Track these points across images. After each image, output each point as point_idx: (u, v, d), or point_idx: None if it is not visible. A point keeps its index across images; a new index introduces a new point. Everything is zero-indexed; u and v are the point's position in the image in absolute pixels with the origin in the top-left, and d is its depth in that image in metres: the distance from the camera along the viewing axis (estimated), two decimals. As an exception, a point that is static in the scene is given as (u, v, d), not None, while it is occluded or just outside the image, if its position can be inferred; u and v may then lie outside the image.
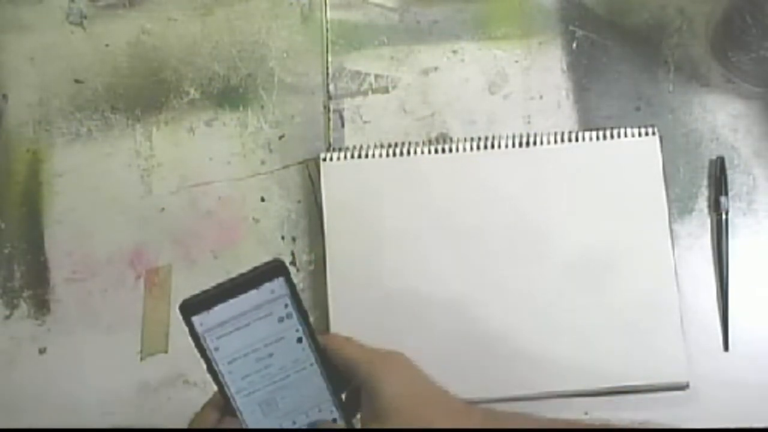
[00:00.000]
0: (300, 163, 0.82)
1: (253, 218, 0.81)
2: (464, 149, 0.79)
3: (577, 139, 0.78)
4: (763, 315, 0.75)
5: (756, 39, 0.77)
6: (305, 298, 0.77)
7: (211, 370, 0.55)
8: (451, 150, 0.79)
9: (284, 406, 0.57)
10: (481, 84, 0.83)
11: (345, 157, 0.79)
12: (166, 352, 0.78)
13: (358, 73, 0.84)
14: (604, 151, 0.78)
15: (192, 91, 0.84)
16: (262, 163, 0.82)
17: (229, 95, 0.84)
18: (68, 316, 0.80)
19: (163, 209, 0.82)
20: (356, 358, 0.57)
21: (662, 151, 0.78)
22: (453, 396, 0.58)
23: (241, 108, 0.84)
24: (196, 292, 0.54)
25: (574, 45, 0.83)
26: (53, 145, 0.84)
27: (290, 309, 0.55)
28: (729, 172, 0.78)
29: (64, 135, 0.84)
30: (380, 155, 0.79)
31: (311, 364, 0.57)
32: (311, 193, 0.81)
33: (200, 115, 0.84)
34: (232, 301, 0.54)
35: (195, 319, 0.54)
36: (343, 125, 0.83)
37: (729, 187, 0.78)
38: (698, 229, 0.78)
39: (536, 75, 0.83)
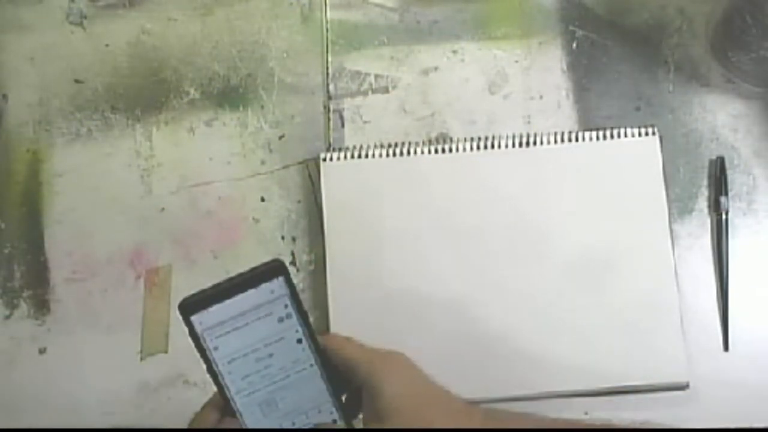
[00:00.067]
0: (300, 163, 0.82)
1: (253, 218, 0.81)
2: (464, 149, 0.79)
3: (577, 139, 0.78)
4: (763, 315, 0.75)
5: (756, 39, 0.77)
6: (305, 298, 0.78)
7: (211, 371, 0.55)
8: (451, 150, 0.79)
9: (284, 407, 0.57)
10: (481, 84, 0.83)
11: (345, 157, 0.79)
12: (166, 352, 0.78)
13: (358, 73, 0.84)
14: (604, 151, 0.78)
15: (192, 91, 0.84)
16: (262, 163, 0.82)
17: (229, 95, 0.84)
18: (68, 316, 0.80)
19: (163, 209, 0.82)
20: (356, 358, 0.57)
21: (662, 151, 0.77)
22: (454, 396, 0.58)
23: (241, 108, 0.84)
24: (196, 291, 0.54)
25: (574, 45, 0.83)
26: (53, 145, 0.84)
27: (290, 309, 0.55)
28: (729, 172, 0.78)
29: (64, 135, 0.84)
30: (380, 155, 0.79)
31: (311, 365, 0.57)
32: (311, 193, 0.81)
33: (200, 115, 0.84)
34: (231, 300, 0.54)
35: (194, 318, 0.54)
36: (343, 125, 0.83)
37: (729, 187, 0.78)
38: (698, 229, 0.78)
39: (536, 75, 0.83)
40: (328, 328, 0.76)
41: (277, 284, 0.54)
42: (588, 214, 0.77)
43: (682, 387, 0.73)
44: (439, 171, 0.78)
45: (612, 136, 0.78)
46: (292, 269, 0.78)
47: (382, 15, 0.86)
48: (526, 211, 0.77)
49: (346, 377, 0.57)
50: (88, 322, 0.79)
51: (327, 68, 0.84)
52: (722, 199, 0.77)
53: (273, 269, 0.54)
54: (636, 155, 0.78)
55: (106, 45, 0.86)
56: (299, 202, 0.81)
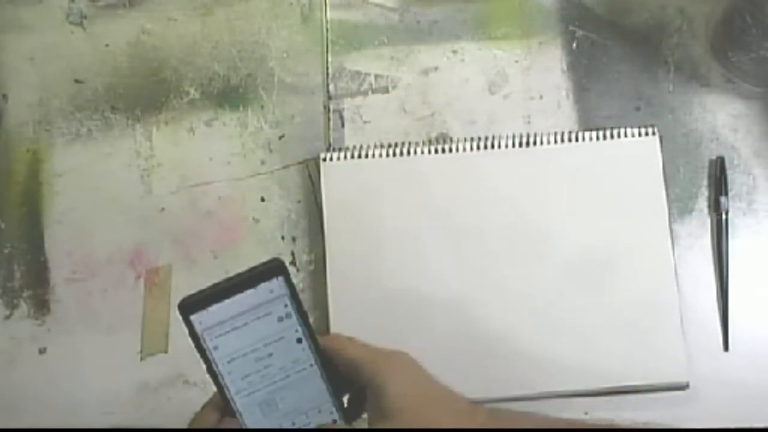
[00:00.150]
0: (300, 163, 0.82)
1: (253, 218, 0.81)
2: (464, 149, 0.79)
3: (577, 139, 0.78)
4: (763, 315, 0.75)
5: (756, 39, 0.77)
6: (305, 298, 0.78)
7: (211, 371, 0.55)
8: (451, 150, 0.79)
9: (284, 407, 0.57)
10: (481, 84, 0.83)
11: (345, 157, 0.79)
12: (166, 352, 0.78)
13: (358, 73, 0.84)
14: (604, 151, 0.78)
15: (192, 91, 0.84)
16: (262, 163, 0.82)
17: (229, 95, 0.84)
18: (68, 316, 0.80)
19: (163, 209, 0.82)
20: (360, 358, 0.57)
21: (662, 151, 0.77)
22: (458, 395, 0.57)
23: (241, 108, 0.84)
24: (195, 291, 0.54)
25: (574, 45, 0.83)
26: (53, 145, 0.84)
27: (289, 309, 0.55)
28: (729, 172, 0.78)
29: (64, 135, 0.84)
30: (380, 155, 0.79)
31: (311, 365, 0.57)
32: (311, 193, 0.81)
33: (200, 115, 0.84)
34: (230, 300, 0.54)
35: (194, 317, 0.54)
36: (343, 125, 0.83)
37: (729, 187, 0.78)
38: (698, 229, 0.78)
39: (536, 75, 0.83)
40: (328, 328, 0.76)
41: (277, 284, 0.54)
42: (588, 214, 0.77)
43: (682, 387, 0.73)
44: (439, 171, 0.78)
45: (612, 136, 0.78)
46: (292, 269, 0.78)
47: (382, 15, 0.86)
48: (526, 211, 0.77)
49: (349, 377, 0.57)
50: (88, 322, 0.79)
51: (327, 68, 0.84)
52: (722, 199, 0.77)
53: (272, 269, 0.54)
54: (636, 155, 0.78)
55: (106, 45, 0.86)
56: (299, 202, 0.81)
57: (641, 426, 0.70)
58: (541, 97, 0.82)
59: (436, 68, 0.84)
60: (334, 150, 0.80)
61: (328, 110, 0.83)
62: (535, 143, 0.78)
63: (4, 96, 0.86)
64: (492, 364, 0.74)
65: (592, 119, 0.81)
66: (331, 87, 0.84)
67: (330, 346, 0.57)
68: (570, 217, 0.77)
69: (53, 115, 0.85)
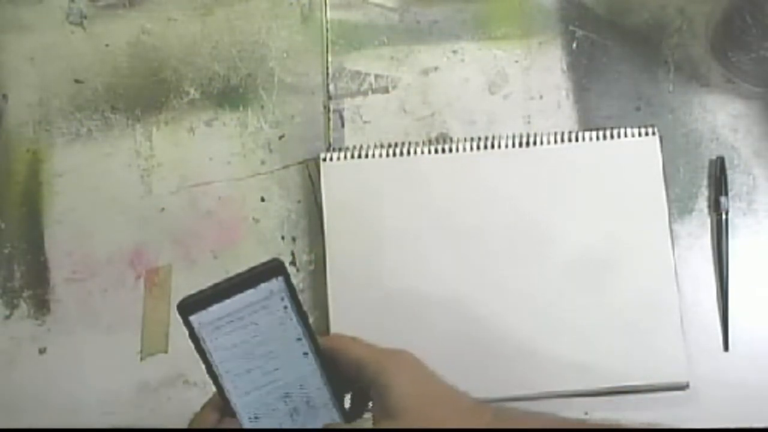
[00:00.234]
0: (300, 163, 0.82)
1: (253, 218, 0.81)
2: (464, 149, 0.79)
3: (577, 139, 0.78)
4: (763, 315, 0.75)
5: (756, 39, 0.77)
6: (305, 298, 0.78)
7: (210, 371, 0.55)
8: (451, 150, 0.79)
9: (284, 407, 0.57)
10: (481, 84, 0.83)
11: (345, 157, 0.79)
12: (166, 352, 0.78)
13: (358, 73, 0.84)
14: (604, 151, 0.78)
15: (192, 91, 0.84)
16: (262, 163, 0.82)
17: (229, 95, 0.84)
18: (68, 316, 0.80)
19: (163, 209, 0.82)
20: (364, 358, 0.56)
21: (662, 151, 0.77)
22: (463, 394, 0.57)
23: (241, 108, 0.84)
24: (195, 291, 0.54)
25: (574, 45, 0.83)
26: (53, 145, 0.84)
27: (289, 309, 0.55)
28: (729, 172, 0.78)
29: (64, 135, 0.84)
30: (380, 155, 0.79)
31: (311, 365, 0.57)
32: (311, 193, 0.81)
33: (200, 115, 0.84)
34: (230, 300, 0.54)
35: (193, 318, 0.54)
36: (343, 125, 0.83)
37: (729, 187, 0.78)
38: (698, 229, 0.78)
39: (536, 75, 0.83)
40: (328, 328, 0.76)
41: (276, 284, 0.54)
42: (588, 214, 0.77)
43: (682, 387, 0.73)
44: (439, 171, 0.78)
45: (612, 136, 0.78)
46: (292, 269, 0.78)
47: (382, 15, 0.85)
48: (526, 211, 0.77)
49: (351, 377, 0.57)
50: (88, 322, 0.79)
51: (327, 68, 0.84)
52: (722, 199, 0.77)
53: (272, 269, 0.54)
54: (636, 155, 0.78)
55: (106, 45, 0.86)
56: (299, 202, 0.81)
57: (647, 426, 0.70)
58: (541, 97, 0.82)
59: (436, 68, 0.84)
60: (334, 150, 0.80)
61: (328, 110, 0.83)
62: (535, 143, 0.78)
63: (4, 96, 0.86)
64: (492, 363, 0.74)
65: (592, 119, 0.81)
66: (331, 87, 0.84)
67: (333, 345, 0.57)
68: (570, 217, 0.77)
69: (53, 115, 0.85)
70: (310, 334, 0.56)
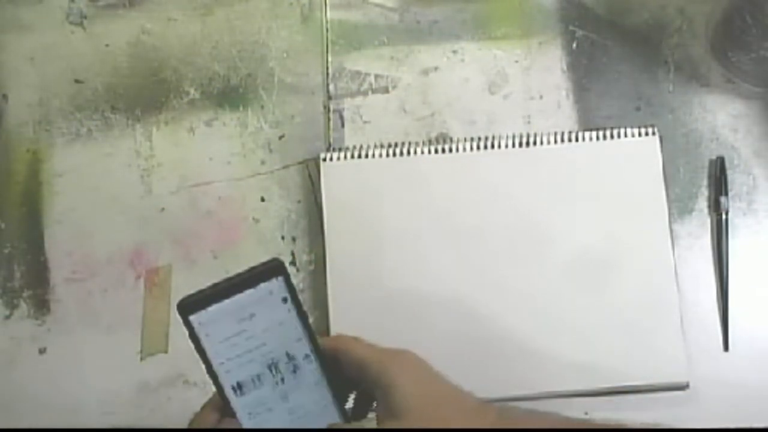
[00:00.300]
0: (300, 163, 0.82)
1: (253, 218, 0.81)
2: (464, 149, 0.79)
3: (577, 139, 0.78)
4: (763, 315, 0.75)
5: (756, 39, 0.77)
6: (305, 298, 0.78)
7: (210, 371, 0.55)
8: (451, 150, 0.79)
9: (284, 407, 0.57)
10: (481, 84, 0.83)
11: (345, 157, 0.79)
12: (166, 352, 0.78)
13: (358, 73, 0.84)
14: (604, 151, 0.78)
15: (192, 91, 0.84)
16: (262, 163, 0.82)
17: (229, 95, 0.84)
18: (68, 316, 0.80)
19: (163, 209, 0.82)
20: (366, 358, 0.56)
21: (662, 151, 0.77)
22: (467, 393, 0.57)
23: (241, 108, 0.84)
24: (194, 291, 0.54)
25: (574, 45, 0.83)
26: (53, 145, 0.84)
27: (289, 309, 0.55)
28: (729, 172, 0.78)
29: (64, 135, 0.84)
30: (380, 155, 0.79)
31: (311, 365, 0.57)
32: (311, 193, 0.81)
33: (200, 115, 0.84)
34: (230, 300, 0.54)
35: (193, 317, 0.54)
36: (343, 125, 0.83)
37: (729, 187, 0.78)
38: (698, 229, 0.78)
39: (536, 75, 0.83)
40: (328, 328, 0.76)
41: (276, 284, 0.54)
42: (588, 214, 0.77)
43: (682, 387, 0.73)
44: (439, 171, 0.78)
45: (612, 136, 0.78)
46: (292, 269, 0.78)
47: (382, 15, 0.85)
48: (526, 211, 0.77)
49: (354, 377, 0.57)
50: (88, 322, 0.79)
51: (327, 68, 0.84)
52: (722, 199, 0.77)
53: (272, 269, 0.54)
54: (636, 155, 0.78)
55: (106, 45, 0.86)
56: (299, 202, 0.81)
57: (650, 426, 0.70)
58: (541, 97, 0.82)
59: (436, 68, 0.84)
60: (334, 150, 0.80)
61: (328, 110, 0.83)
62: (535, 143, 0.78)
63: (4, 96, 0.86)
64: (492, 364, 0.74)
65: (592, 119, 0.81)
66: (331, 87, 0.84)
67: (335, 346, 0.57)
68: (570, 217, 0.77)
69: (53, 115, 0.85)
70: (310, 334, 0.56)
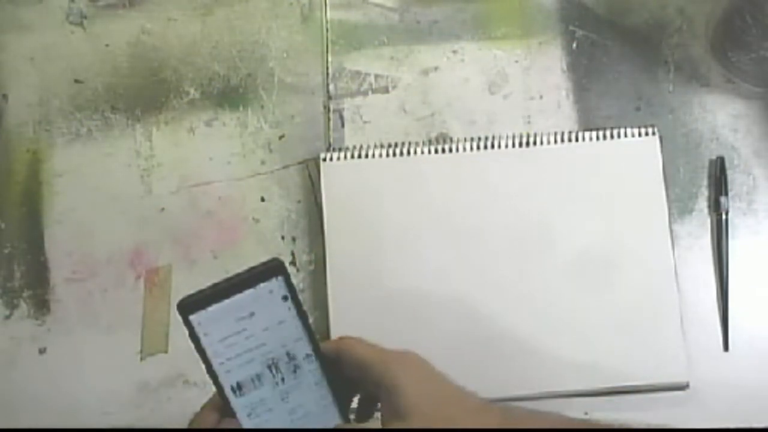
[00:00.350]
0: (300, 163, 0.82)
1: (253, 218, 0.81)
2: (464, 149, 0.79)
3: (577, 139, 0.78)
4: (763, 315, 0.75)
5: (756, 39, 0.77)
6: (305, 298, 0.78)
7: (210, 371, 0.55)
8: (451, 150, 0.79)
9: (284, 407, 0.57)
10: (481, 84, 0.83)
11: (345, 157, 0.79)
12: (166, 352, 0.78)
13: (358, 73, 0.84)
14: (604, 151, 0.78)
15: (192, 91, 0.84)
16: (262, 163, 0.82)
17: (229, 95, 0.84)
18: (68, 316, 0.80)
19: (163, 209, 0.82)
20: (370, 359, 0.56)
21: (662, 151, 0.77)
22: (470, 393, 0.57)
23: (241, 108, 0.84)
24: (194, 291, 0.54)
25: (574, 45, 0.83)
26: (53, 145, 0.84)
27: (289, 309, 0.55)
28: (729, 172, 0.78)
29: (64, 135, 0.84)
30: (380, 155, 0.79)
31: (311, 365, 0.57)
32: (311, 193, 0.81)
33: (200, 115, 0.84)
34: (230, 300, 0.54)
35: (193, 317, 0.53)
36: (343, 125, 0.83)
37: (729, 187, 0.78)
38: (698, 229, 0.78)
39: (536, 75, 0.83)
40: (328, 328, 0.76)
41: (276, 284, 0.54)
42: (588, 214, 0.77)
43: (682, 387, 0.73)
44: (439, 171, 0.78)
45: (612, 136, 0.78)
46: (292, 269, 0.78)
47: (382, 15, 0.85)
48: (526, 210, 0.77)
49: (357, 378, 0.57)
50: (88, 322, 0.79)
51: (327, 68, 0.84)
52: (722, 199, 0.77)
53: (271, 269, 0.54)
54: (636, 155, 0.78)
55: (106, 45, 0.86)
56: (299, 202, 0.81)
57: (654, 427, 0.70)
58: (541, 97, 0.82)
59: (436, 68, 0.84)
60: (334, 150, 0.80)
61: (328, 110, 0.83)
62: (535, 143, 0.78)
63: (4, 96, 0.86)
64: (492, 364, 0.74)
65: (592, 119, 0.81)
66: (331, 87, 0.84)
67: (338, 347, 0.57)
68: (570, 217, 0.77)
69: (53, 115, 0.85)
70: (310, 334, 0.56)
